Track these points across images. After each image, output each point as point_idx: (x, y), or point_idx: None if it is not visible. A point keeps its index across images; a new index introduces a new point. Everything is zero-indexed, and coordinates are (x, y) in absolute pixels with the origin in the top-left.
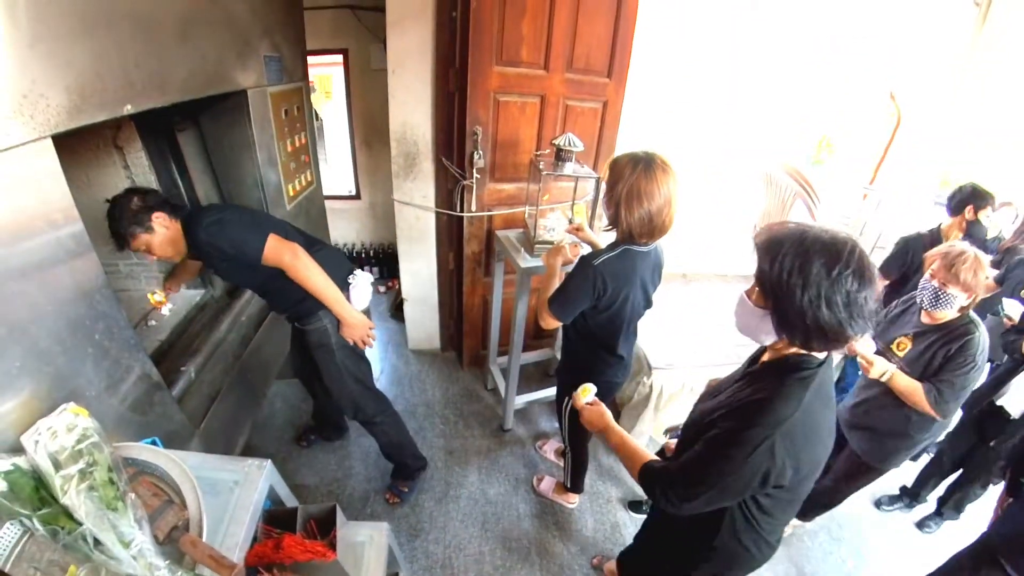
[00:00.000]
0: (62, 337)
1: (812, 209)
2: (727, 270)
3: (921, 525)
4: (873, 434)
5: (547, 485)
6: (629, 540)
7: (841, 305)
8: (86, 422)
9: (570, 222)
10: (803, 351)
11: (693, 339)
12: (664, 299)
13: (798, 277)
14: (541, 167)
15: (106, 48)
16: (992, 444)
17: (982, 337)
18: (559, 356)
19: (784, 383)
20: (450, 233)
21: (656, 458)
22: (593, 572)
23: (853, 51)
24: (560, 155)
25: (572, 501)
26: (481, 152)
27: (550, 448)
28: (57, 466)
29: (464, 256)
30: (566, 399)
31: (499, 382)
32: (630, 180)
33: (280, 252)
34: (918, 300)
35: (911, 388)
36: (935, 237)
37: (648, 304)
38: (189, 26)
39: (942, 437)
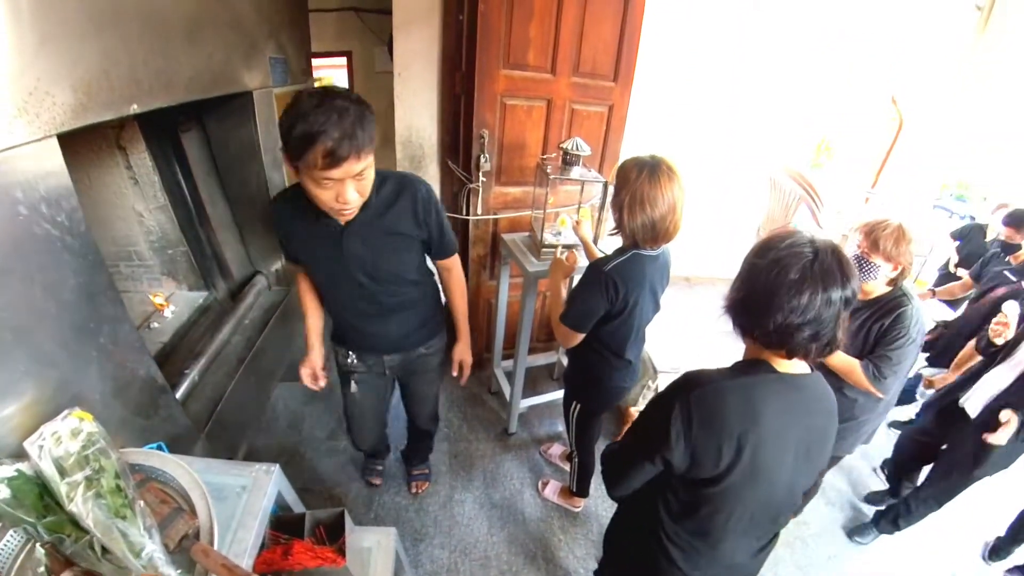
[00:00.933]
0: (66, 340)
1: (816, 213)
2: (731, 274)
3: (852, 534)
4: None
5: (552, 489)
6: None
7: (761, 292)
8: (91, 427)
9: (577, 223)
10: (762, 357)
11: (697, 343)
12: (668, 303)
13: (745, 264)
14: (549, 171)
15: (113, 46)
16: (944, 447)
17: (915, 310)
18: (564, 359)
19: (721, 368)
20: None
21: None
22: None
23: (855, 54)
24: (567, 159)
25: (578, 505)
26: (487, 155)
27: (555, 452)
28: (62, 472)
29: (469, 259)
30: (573, 403)
31: (503, 385)
32: (634, 186)
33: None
34: None
35: (849, 366)
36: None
37: (657, 308)
38: (196, 26)
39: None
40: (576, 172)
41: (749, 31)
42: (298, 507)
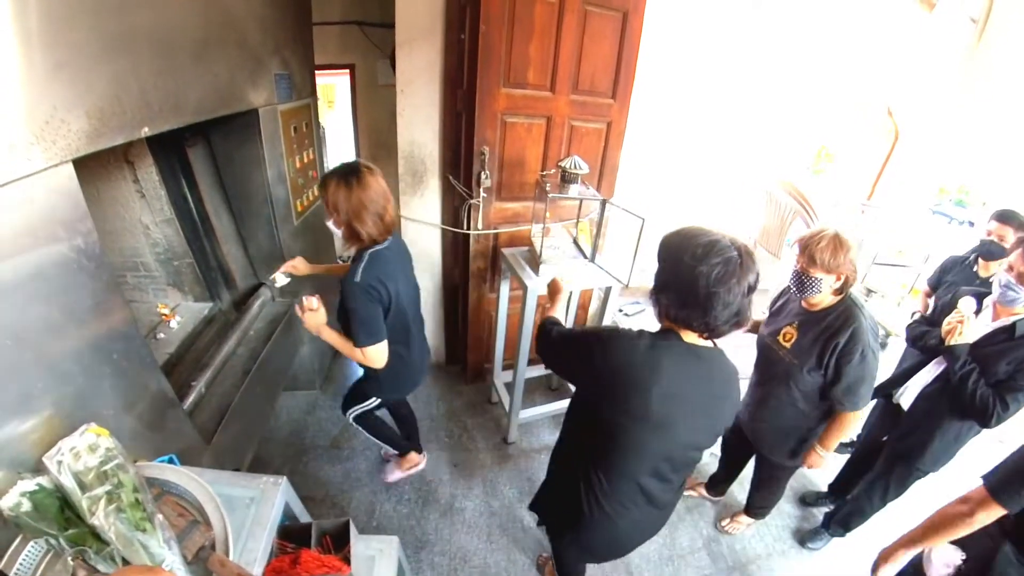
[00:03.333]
0: (82, 357)
1: (811, 226)
2: None
3: (804, 541)
4: (774, 433)
5: (392, 469)
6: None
7: (702, 295)
8: (108, 442)
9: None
10: (674, 330)
11: None
12: None
13: (686, 268)
14: (548, 188)
15: (125, 72)
16: (886, 439)
17: (868, 321)
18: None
19: (645, 330)
20: (456, 250)
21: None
22: None
23: (851, 68)
24: (565, 177)
25: (418, 462)
26: (488, 172)
27: None
28: (83, 487)
29: (470, 272)
30: (371, 399)
31: (503, 396)
32: (350, 196)
33: None
34: (789, 285)
35: (847, 424)
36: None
37: (416, 288)
38: (203, 47)
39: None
40: (574, 190)
41: (746, 47)
42: (304, 517)
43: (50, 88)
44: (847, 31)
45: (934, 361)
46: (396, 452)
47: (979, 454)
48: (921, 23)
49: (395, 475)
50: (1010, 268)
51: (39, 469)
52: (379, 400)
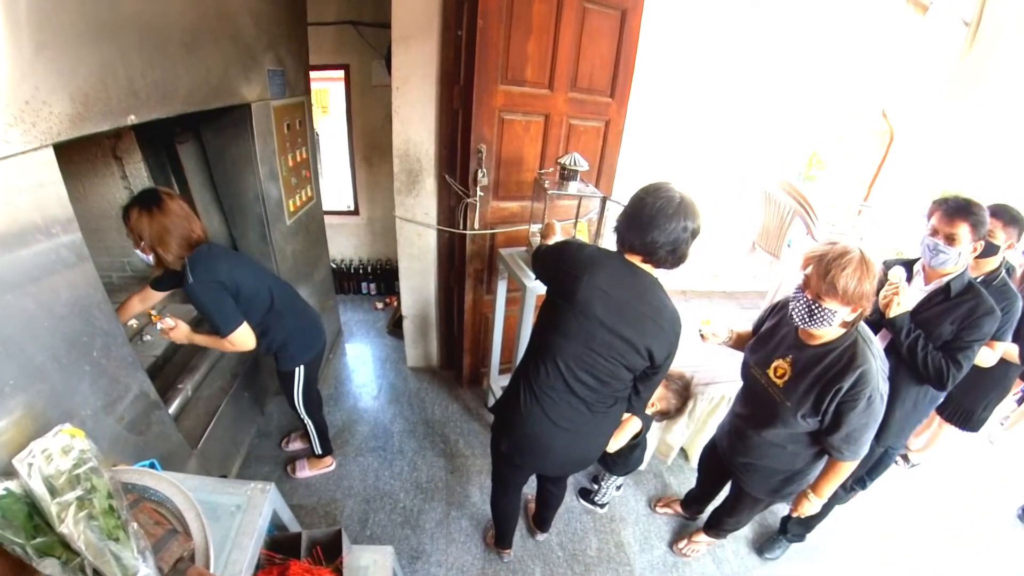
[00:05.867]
0: (58, 354)
1: (811, 227)
2: (727, 287)
3: (762, 551)
4: (758, 472)
5: (302, 467)
6: (634, 559)
7: (646, 218)
8: (83, 444)
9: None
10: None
11: (696, 357)
12: None
13: (636, 199)
14: (547, 186)
15: (112, 56)
16: None
17: (879, 360)
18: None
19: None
20: (452, 250)
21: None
22: None
23: (846, 69)
24: (564, 174)
25: (329, 464)
26: (485, 170)
27: None
28: (53, 492)
29: (466, 273)
30: (295, 372)
31: None
32: (152, 223)
33: None
34: (791, 313)
35: (839, 474)
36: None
37: (263, 271)
38: (195, 37)
39: None
40: (574, 187)
41: (743, 47)
42: (294, 526)
43: (32, 69)
44: (842, 34)
45: (878, 336)
46: (319, 453)
47: (968, 453)
48: (914, 26)
49: (306, 472)
50: (934, 231)
51: (8, 472)
52: (302, 366)
